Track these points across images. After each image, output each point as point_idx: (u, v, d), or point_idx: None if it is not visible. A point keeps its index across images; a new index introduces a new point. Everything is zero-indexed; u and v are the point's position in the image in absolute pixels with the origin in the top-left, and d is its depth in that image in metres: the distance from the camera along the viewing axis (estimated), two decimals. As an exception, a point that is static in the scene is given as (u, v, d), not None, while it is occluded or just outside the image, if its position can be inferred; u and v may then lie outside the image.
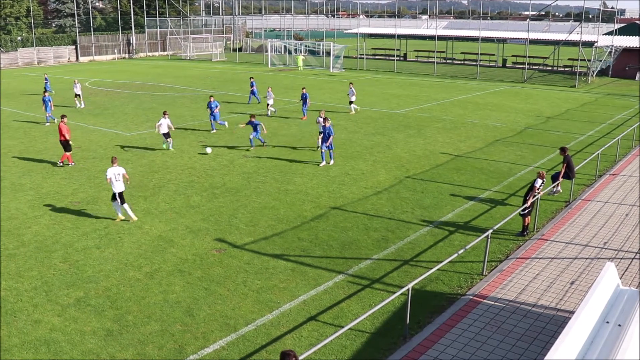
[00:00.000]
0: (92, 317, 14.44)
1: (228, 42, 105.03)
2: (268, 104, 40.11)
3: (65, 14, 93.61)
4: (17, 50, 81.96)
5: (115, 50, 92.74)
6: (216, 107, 34.69)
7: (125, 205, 20.52)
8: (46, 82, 48.10)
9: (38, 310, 14.77)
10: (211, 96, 35.58)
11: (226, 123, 35.83)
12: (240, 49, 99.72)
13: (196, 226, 20.18)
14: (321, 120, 27.43)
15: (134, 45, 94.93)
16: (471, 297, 15.18)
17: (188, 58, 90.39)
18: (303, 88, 39.54)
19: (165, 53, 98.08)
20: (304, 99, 38.76)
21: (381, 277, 16.44)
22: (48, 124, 37.77)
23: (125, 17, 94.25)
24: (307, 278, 16.33)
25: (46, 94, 38.15)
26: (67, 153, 28.06)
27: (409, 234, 19.37)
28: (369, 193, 23.42)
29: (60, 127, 27.84)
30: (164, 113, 30.54)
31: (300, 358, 10.13)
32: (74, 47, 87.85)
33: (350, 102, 41.00)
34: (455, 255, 15.77)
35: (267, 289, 15.70)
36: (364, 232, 19.50)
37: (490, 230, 16.58)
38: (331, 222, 20.47)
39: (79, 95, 44.49)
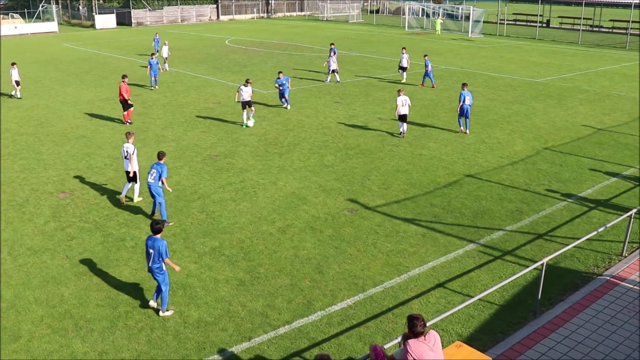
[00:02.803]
0: (226, 266, 15.03)
1: (365, 4, 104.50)
2: (334, 71, 38.10)
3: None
4: (162, 9, 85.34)
5: (255, 10, 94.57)
6: (287, 81, 30.63)
7: None
8: (156, 43, 47.26)
9: (176, 256, 15.53)
10: (280, 72, 30.87)
11: (288, 105, 31.44)
12: (377, 11, 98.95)
13: (329, 185, 20.43)
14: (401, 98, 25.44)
15: (272, 5, 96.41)
16: (608, 277, 14.54)
17: (325, 19, 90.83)
18: (425, 55, 37.86)
19: (303, 13, 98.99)
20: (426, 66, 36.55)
21: (513, 249, 16.05)
22: (152, 88, 36.71)
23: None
24: (437, 244, 16.21)
25: (153, 56, 36.75)
26: (130, 110, 28.33)
27: (545, 208, 18.74)
28: (504, 163, 22.81)
29: (120, 87, 27.95)
30: (247, 81, 27.98)
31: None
32: (215, 6, 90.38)
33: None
34: (594, 233, 15.11)
35: (396, 253, 15.72)
36: (498, 202, 19.05)
37: (634, 210, 15.71)
38: (465, 189, 20.14)
39: (166, 57, 43.43)
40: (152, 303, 13.27)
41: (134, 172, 18.72)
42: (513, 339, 12.04)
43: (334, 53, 39.15)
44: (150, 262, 12.76)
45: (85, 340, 12.14)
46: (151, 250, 12.68)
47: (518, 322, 12.78)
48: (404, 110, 25.46)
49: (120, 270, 14.84)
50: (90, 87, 37.61)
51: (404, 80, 38.36)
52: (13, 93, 34.51)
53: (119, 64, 46.85)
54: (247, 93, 27.42)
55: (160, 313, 13.05)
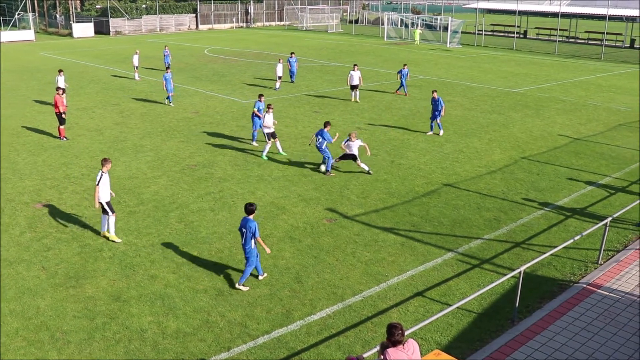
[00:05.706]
0: (205, 276, 14.95)
1: (344, 14, 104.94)
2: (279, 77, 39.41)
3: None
4: (141, 18, 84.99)
5: (234, 19, 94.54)
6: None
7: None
8: (166, 57, 46.10)
9: (155, 266, 15.45)
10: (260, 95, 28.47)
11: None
12: (356, 21, 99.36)
13: (308, 195, 20.43)
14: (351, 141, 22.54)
15: (251, 14, 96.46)
16: (584, 285, 14.67)
17: (304, 28, 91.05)
18: (404, 65, 38.75)
19: (282, 23, 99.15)
20: (403, 75, 37.55)
21: (491, 257, 16.15)
22: (170, 104, 34.63)
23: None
24: (416, 253, 16.26)
25: (168, 70, 34.86)
26: (61, 127, 27.21)
27: (522, 216, 18.88)
28: (482, 172, 22.97)
29: (56, 100, 26.92)
30: (269, 107, 24.89)
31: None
32: (194, 15, 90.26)
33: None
34: (571, 241, 15.28)
35: (375, 262, 15.75)
36: (476, 211, 19.17)
37: (609, 218, 15.93)
38: (443, 198, 20.24)
39: (137, 66, 43.37)
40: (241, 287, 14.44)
41: (100, 204, 16.82)
42: (491, 347, 12.10)
43: (289, 63, 40.92)
44: (243, 240, 14.15)
45: (61, 352, 12.01)
46: (243, 230, 14.04)
47: (496, 329, 12.86)
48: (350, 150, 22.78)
49: (97, 281, 14.71)
50: (67, 96, 37.26)
51: (355, 100, 35.99)
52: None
53: (96, 73, 46.56)
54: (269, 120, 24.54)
55: (237, 285, 14.36)
